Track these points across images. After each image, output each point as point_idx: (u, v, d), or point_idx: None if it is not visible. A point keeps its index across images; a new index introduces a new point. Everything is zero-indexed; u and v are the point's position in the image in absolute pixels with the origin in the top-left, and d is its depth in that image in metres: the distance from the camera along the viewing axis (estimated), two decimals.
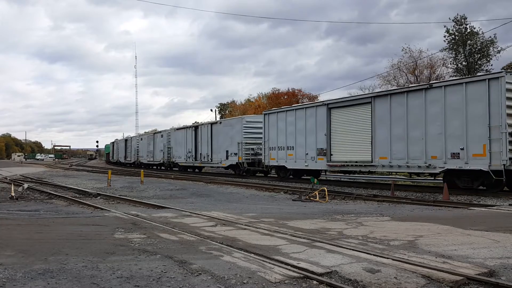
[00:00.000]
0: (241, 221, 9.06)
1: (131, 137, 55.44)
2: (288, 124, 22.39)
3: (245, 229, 8.05)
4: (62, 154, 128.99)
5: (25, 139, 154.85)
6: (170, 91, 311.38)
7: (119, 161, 61.57)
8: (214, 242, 6.67)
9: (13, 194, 15.03)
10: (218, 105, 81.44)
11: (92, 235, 7.59)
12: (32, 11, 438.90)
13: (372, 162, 17.57)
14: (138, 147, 49.08)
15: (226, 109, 77.26)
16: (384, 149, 17.09)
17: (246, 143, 27.12)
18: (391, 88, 20.65)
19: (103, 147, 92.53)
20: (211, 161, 31.24)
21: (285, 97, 54.96)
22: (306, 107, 21.80)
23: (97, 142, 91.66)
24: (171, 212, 10.87)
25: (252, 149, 27.18)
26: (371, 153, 17.62)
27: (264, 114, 24.58)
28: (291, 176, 23.30)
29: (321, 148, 20.24)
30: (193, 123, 43.98)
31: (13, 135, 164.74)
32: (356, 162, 18.40)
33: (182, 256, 5.65)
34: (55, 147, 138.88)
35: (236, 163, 27.87)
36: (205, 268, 5.05)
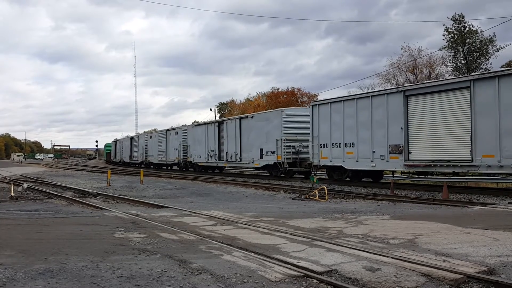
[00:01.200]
0: (241, 220, 9.06)
1: (138, 135, 51.21)
2: (346, 117, 18.96)
3: (245, 228, 8.05)
4: (61, 154, 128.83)
5: (25, 139, 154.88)
6: (170, 91, 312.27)
7: (123, 161, 57.33)
8: (214, 241, 6.68)
9: (12, 194, 15.02)
10: (218, 104, 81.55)
11: (92, 234, 7.59)
12: (33, 12, 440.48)
13: (472, 162, 14.18)
14: (146, 145, 45.15)
15: (225, 109, 77.31)
16: (490, 145, 13.77)
17: (286, 139, 23.51)
18: (499, 69, 17.23)
19: (103, 146, 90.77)
20: (240, 160, 27.53)
21: (285, 96, 54.99)
22: (372, 95, 18.31)
23: (96, 142, 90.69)
24: (171, 211, 10.87)
25: (293, 146, 23.63)
26: (471, 150, 14.20)
27: (313, 106, 21.17)
28: (348, 179, 19.99)
29: (396, 145, 16.78)
30: (215, 120, 38.83)
31: (13, 135, 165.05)
32: (448, 161, 14.92)
33: (182, 255, 5.65)
34: (55, 147, 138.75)
35: (274, 163, 24.36)
36: (205, 267, 5.06)
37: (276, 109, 27.23)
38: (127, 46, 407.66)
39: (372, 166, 17.90)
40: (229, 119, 30.00)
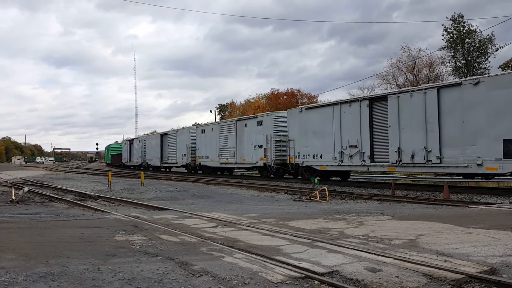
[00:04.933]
0: (242, 221, 9.06)
1: (178, 130, 37.44)
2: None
3: (246, 229, 8.05)
4: (62, 157, 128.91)
5: (25, 142, 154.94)
6: (174, 93, 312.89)
7: (146, 164, 44.98)
8: (215, 243, 6.67)
9: (13, 197, 15.02)
10: (218, 106, 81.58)
11: (93, 237, 7.59)
12: (44, 17, 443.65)
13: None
14: (194, 143, 33.30)
15: (225, 110, 77.34)
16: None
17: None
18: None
19: (103, 149, 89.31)
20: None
21: (284, 97, 55.01)
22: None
23: (97, 144, 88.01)
24: (172, 213, 10.87)
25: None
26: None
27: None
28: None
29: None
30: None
31: (15, 138, 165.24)
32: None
33: (184, 258, 5.65)
34: (55, 150, 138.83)
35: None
36: (206, 269, 5.05)
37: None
38: (133, 50, 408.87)
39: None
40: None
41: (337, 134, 19.33)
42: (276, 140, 24.06)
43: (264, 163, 24.87)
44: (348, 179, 22.66)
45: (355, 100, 18.89)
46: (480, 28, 44.22)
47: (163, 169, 42.19)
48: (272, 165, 24.19)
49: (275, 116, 24.93)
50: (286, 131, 23.54)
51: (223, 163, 29.34)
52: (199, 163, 32.31)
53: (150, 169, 43.54)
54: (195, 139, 33.19)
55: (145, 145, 45.90)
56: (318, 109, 21.26)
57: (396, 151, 16.61)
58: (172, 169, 42.61)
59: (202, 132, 32.07)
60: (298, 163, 21.65)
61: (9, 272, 4.93)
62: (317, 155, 20.57)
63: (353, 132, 18.52)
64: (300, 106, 24.65)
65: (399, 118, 16.50)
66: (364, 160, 18.13)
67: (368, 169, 18.77)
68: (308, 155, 21.07)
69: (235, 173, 32.19)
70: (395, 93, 17.09)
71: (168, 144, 38.72)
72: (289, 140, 22.47)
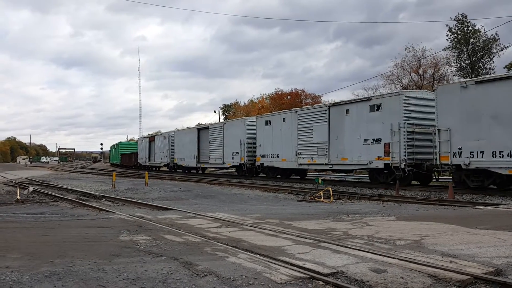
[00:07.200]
0: (246, 222, 9.05)
1: (224, 123, 31.25)
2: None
3: (250, 230, 8.04)
4: (67, 157, 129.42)
5: (30, 142, 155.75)
6: (180, 94, 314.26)
7: (173, 165, 38.68)
8: (219, 243, 6.67)
9: (18, 197, 15.09)
10: (222, 106, 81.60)
11: (98, 237, 7.61)
12: (54, 19, 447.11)
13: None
14: (253, 138, 26.80)
15: (229, 110, 77.36)
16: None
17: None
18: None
19: (108, 149, 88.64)
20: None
21: (288, 97, 54.91)
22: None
23: (101, 144, 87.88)
24: (176, 213, 10.88)
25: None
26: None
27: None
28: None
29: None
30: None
31: (21, 138, 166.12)
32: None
33: (188, 258, 5.65)
34: (60, 150, 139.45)
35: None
36: (210, 269, 5.05)
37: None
38: (141, 51, 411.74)
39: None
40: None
41: None
42: (408, 131, 17.21)
43: (386, 164, 17.87)
44: None
45: None
46: (485, 28, 44.01)
47: (200, 171, 35.83)
48: (403, 166, 17.09)
49: (406, 96, 17.80)
50: (423, 118, 17.61)
51: (303, 164, 22.49)
52: (261, 164, 25.70)
53: (179, 170, 37.93)
54: (253, 133, 26.63)
55: (173, 142, 38.92)
56: (502, 82, 14.18)
57: None
58: (207, 171, 36.11)
59: (266, 124, 25.14)
60: (458, 163, 15.18)
61: (14, 272, 4.95)
62: (502, 152, 13.93)
63: None
64: (461, 80, 18.78)
65: None
66: None
67: None
68: (482, 152, 14.45)
69: (360, 179, 24.88)
70: None
71: (209, 141, 31.77)
72: (439, 131, 15.72)
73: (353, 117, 19.63)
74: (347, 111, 19.99)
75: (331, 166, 21.03)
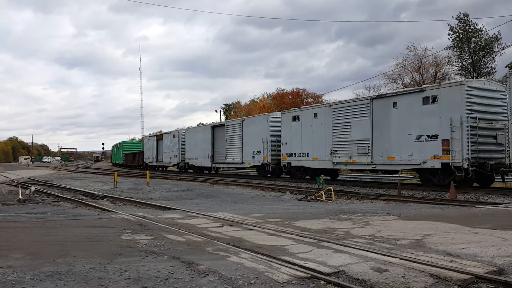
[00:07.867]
0: (248, 221, 9.06)
1: (243, 120, 28.73)
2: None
3: (251, 229, 8.05)
4: (69, 156, 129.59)
5: (32, 142, 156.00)
6: (181, 94, 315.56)
7: (185, 164, 36.18)
8: (220, 243, 6.68)
9: (20, 196, 15.12)
10: (223, 106, 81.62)
11: (99, 237, 7.63)
12: (57, 19, 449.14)
13: None
14: (277, 136, 24.83)
15: (231, 110, 77.39)
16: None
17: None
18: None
19: (110, 149, 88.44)
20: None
21: (290, 97, 54.91)
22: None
23: (103, 144, 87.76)
24: (178, 213, 10.89)
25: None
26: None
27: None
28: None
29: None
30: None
31: (23, 138, 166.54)
32: None
33: (189, 257, 5.66)
34: (62, 150, 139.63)
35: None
36: (212, 268, 5.06)
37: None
38: (143, 51, 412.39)
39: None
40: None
41: None
42: (471, 126, 14.90)
43: (444, 164, 15.62)
44: None
45: None
46: (487, 27, 43.91)
47: (213, 171, 33.35)
48: (466, 166, 14.88)
49: (469, 87, 15.35)
50: (486, 111, 15.47)
51: (339, 164, 20.34)
52: (288, 163, 23.55)
53: (190, 171, 35.58)
54: (278, 130, 24.58)
55: (183, 141, 36.56)
56: None
57: None
58: (221, 171, 33.44)
59: (294, 120, 22.89)
60: None
61: (16, 271, 4.96)
62: None
63: None
64: None
65: None
66: None
67: None
68: None
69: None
70: None
71: (226, 139, 29.51)
72: None
73: (401, 110, 17.20)
74: (394, 104, 17.54)
75: (374, 166, 18.46)
